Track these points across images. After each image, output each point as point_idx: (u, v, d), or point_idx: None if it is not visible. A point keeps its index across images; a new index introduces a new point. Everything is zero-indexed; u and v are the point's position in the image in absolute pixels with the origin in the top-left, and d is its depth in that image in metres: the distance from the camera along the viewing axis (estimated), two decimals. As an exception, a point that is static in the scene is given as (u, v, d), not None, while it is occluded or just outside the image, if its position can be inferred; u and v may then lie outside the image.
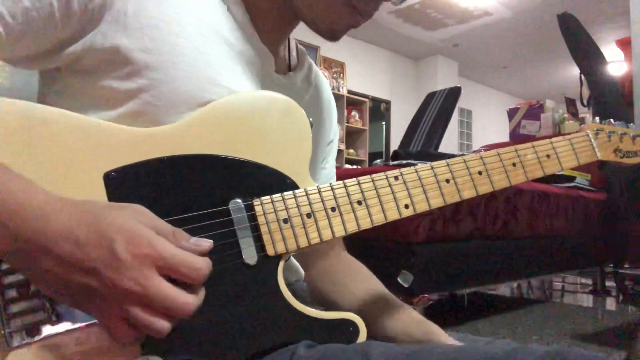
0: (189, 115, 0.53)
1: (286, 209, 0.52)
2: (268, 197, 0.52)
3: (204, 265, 0.42)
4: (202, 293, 0.43)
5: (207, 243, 0.44)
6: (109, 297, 0.39)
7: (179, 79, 0.53)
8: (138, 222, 0.41)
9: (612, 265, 2.91)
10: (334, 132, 0.80)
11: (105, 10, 0.51)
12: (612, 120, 0.73)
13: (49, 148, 0.46)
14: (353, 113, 6.54)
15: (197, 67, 0.54)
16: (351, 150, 6.40)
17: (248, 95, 0.56)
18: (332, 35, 0.61)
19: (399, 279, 1.63)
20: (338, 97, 6.28)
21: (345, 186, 0.55)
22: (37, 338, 0.43)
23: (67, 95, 0.54)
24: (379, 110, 7.38)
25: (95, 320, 0.44)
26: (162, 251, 0.40)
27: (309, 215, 0.53)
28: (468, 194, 0.60)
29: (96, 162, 0.47)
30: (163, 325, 0.41)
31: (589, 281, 3.39)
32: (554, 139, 0.67)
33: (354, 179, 0.56)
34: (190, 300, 0.41)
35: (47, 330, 0.43)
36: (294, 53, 0.70)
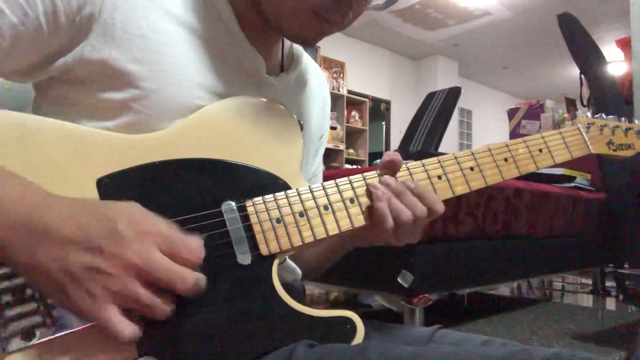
0: (180, 121, 0.53)
1: (278, 208, 0.53)
2: (260, 197, 0.52)
3: (200, 246, 0.44)
4: (202, 276, 0.43)
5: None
6: (112, 276, 0.40)
7: (169, 87, 0.53)
8: (139, 208, 0.43)
9: (612, 265, 2.91)
10: (327, 126, 0.80)
11: (93, 22, 0.51)
12: (603, 115, 0.74)
13: (43, 157, 0.47)
14: (353, 113, 6.55)
15: (186, 75, 0.55)
16: (351, 150, 6.40)
17: (238, 100, 0.57)
18: (303, 42, 0.60)
19: (399, 279, 1.62)
20: (338, 97, 6.28)
21: (337, 185, 0.56)
22: (33, 342, 0.43)
23: (60, 105, 0.54)
24: (379, 110, 7.38)
25: (91, 324, 0.43)
26: (163, 229, 0.42)
27: (301, 214, 0.53)
28: (461, 189, 0.60)
29: (89, 169, 0.48)
30: (164, 306, 0.42)
31: (589, 281, 3.39)
32: (545, 134, 0.67)
33: (346, 178, 0.56)
34: (191, 275, 0.42)
35: (43, 334, 0.43)
36: (288, 52, 0.69)
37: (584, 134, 0.71)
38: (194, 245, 0.43)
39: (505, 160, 0.63)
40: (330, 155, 6.09)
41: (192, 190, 0.51)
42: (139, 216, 0.43)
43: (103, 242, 0.40)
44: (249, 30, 0.60)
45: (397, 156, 0.58)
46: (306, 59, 0.73)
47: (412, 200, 0.55)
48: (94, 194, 0.48)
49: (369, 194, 0.56)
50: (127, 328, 0.40)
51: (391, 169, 0.59)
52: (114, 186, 0.48)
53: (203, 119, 0.54)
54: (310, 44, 0.60)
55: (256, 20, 0.59)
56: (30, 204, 0.41)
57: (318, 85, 0.76)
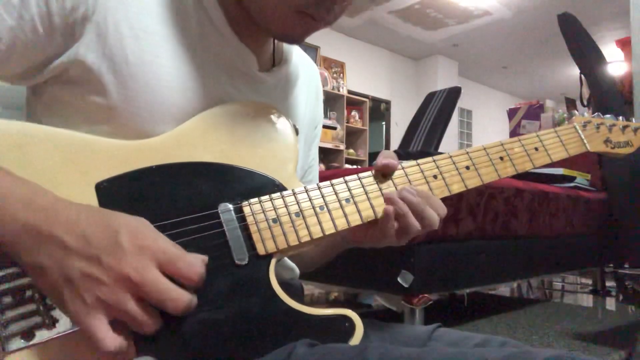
0: (175, 125, 0.54)
1: (274, 209, 0.53)
2: (256, 198, 0.53)
3: (200, 264, 0.44)
4: (194, 298, 0.43)
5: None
6: (105, 286, 0.40)
7: (162, 89, 0.54)
8: (144, 222, 0.44)
9: (612, 265, 2.90)
10: (320, 116, 0.81)
11: (86, 23, 0.51)
12: (600, 114, 0.74)
13: (43, 164, 0.48)
14: (353, 113, 6.54)
15: (178, 76, 0.55)
16: (351, 150, 6.40)
17: (234, 105, 0.58)
18: (290, 40, 0.60)
19: (399, 279, 1.62)
20: (338, 97, 6.28)
21: (332, 185, 0.56)
22: (33, 342, 0.43)
23: (55, 108, 0.55)
24: (379, 110, 7.38)
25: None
26: (164, 245, 0.43)
27: (297, 215, 0.54)
28: (457, 187, 0.61)
29: (88, 174, 0.49)
30: (151, 323, 0.42)
31: (589, 281, 3.39)
32: (540, 132, 0.68)
33: (341, 178, 0.57)
34: (183, 297, 0.42)
35: (43, 334, 0.43)
36: (280, 46, 0.69)
37: (580, 132, 0.71)
38: (194, 263, 0.43)
39: (501, 158, 0.64)
40: (330, 155, 6.09)
41: (189, 193, 0.51)
42: (143, 231, 0.43)
43: (102, 253, 0.41)
44: (239, 29, 0.60)
45: (393, 158, 0.58)
46: (297, 51, 0.74)
47: (420, 212, 0.56)
48: (93, 198, 0.48)
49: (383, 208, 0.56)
50: (110, 340, 0.40)
51: (387, 170, 0.59)
52: (112, 190, 0.49)
53: (199, 124, 0.55)
54: (297, 42, 0.60)
55: (245, 19, 0.59)
56: (38, 207, 0.42)
57: (310, 76, 0.76)
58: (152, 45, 0.54)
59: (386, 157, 0.58)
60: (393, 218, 0.55)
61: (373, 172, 0.59)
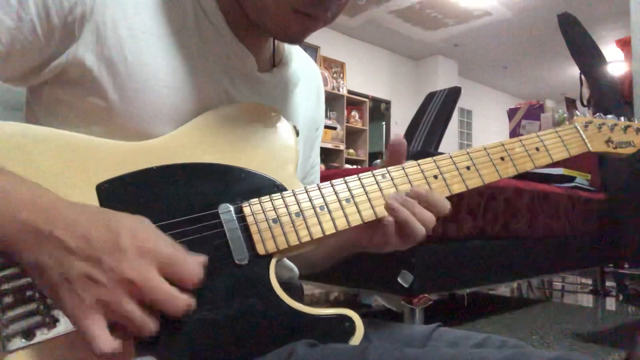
0: (175, 126, 0.54)
1: (275, 209, 0.53)
2: (256, 199, 0.53)
3: (199, 267, 0.44)
4: (193, 300, 0.43)
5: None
6: (105, 287, 0.40)
7: (160, 90, 0.54)
8: (144, 224, 0.44)
9: (612, 265, 2.90)
10: (322, 117, 0.81)
11: (85, 22, 0.51)
12: (601, 114, 0.74)
13: (45, 165, 0.48)
14: (353, 113, 6.55)
15: (177, 78, 0.55)
16: (351, 150, 6.41)
17: (234, 107, 0.58)
18: (289, 40, 0.60)
19: (399, 279, 1.62)
20: (338, 97, 6.28)
21: (332, 185, 0.56)
22: (33, 341, 0.43)
23: (54, 108, 0.55)
24: (379, 110, 7.38)
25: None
26: (164, 249, 0.42)
27: (297, 215, 0.54)
28: (457, 187, 0.60)
29: (88, 175, 0.49)
30: (151, 325, 0.42)
31: (589, 281, 3.39)
32: (541, 132, 0.67)
33: (341, 179, 0.57)
34: (183, 301, 0.42)
35: (44, 334, 0.43)
36: (280, 46, 0.69)
37: (581, 132, 0.71)
38: (192, 266, 0.43)
39: (502, 159, 0.63)
40: (330, 155, 6.09)
41: (190, 193, 0.51)
42: (143, 232, 0.43)
43: (103, 254, 0.41)
44: (238, 30, 0.60)
45: (403, 142, 0.59)
46: (298, 52, 0.73)
47: (422, 211, 0.56)
48: (94, 199, 0.49)
49: (387, 208, 0.56)
50: (106, 342, 0.39)
51: (399, 152, 0.59)
52: (113, 191, 0.49)
53: (200, 126, 0.55)
54: (296, 42, 0.60)
55: (244, 19, 0.59)
56: (39, 207, 0.42)
57: (310, 77, 0.76)
58: (151, 46, 0.54)
59: (398, 140, 0.60)
60: (394, 226, 0.55)
61: (383, 159, 0.58)
